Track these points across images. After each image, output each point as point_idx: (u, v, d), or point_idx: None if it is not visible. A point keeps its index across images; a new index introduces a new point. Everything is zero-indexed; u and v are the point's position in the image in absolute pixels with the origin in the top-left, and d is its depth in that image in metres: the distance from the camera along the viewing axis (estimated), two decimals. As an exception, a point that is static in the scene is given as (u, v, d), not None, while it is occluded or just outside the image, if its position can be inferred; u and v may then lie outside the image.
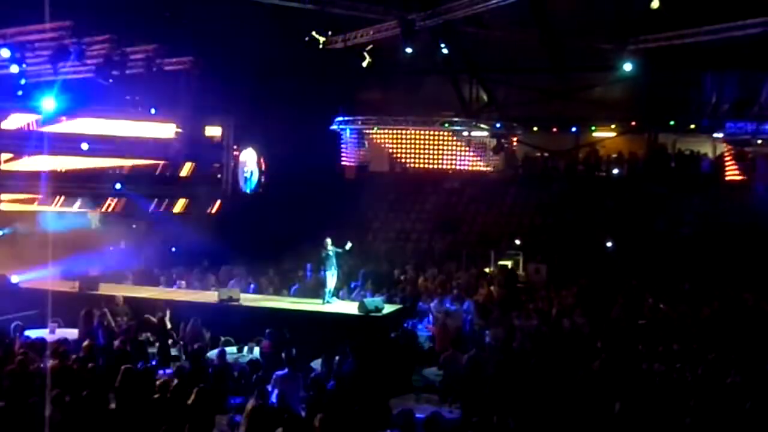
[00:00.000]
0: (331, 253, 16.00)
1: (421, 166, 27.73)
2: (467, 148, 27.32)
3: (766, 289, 17.93)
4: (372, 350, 12.90)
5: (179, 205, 22.29)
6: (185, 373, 10.88)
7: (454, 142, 27.35)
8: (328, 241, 16.15)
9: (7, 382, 9.99)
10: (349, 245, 16.23)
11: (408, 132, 27.43)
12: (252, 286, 18.84)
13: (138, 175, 21.06)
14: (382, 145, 28.07)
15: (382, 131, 27.67)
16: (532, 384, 11.15)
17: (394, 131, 27.55)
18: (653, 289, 18.54)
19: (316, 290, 17.20)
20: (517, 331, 15.12)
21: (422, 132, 27.35)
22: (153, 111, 20.22)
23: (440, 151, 27.46)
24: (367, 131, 27.81)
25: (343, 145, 28.38)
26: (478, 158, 27.45)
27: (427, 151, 27.55)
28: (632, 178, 26.40)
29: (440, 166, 27.64)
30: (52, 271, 17.90)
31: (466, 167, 27.48)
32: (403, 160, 27.93)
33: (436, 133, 27.22)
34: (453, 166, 27.56)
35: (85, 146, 19.11)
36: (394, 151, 27.94)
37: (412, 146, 27.65)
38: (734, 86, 23.64)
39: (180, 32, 16.96)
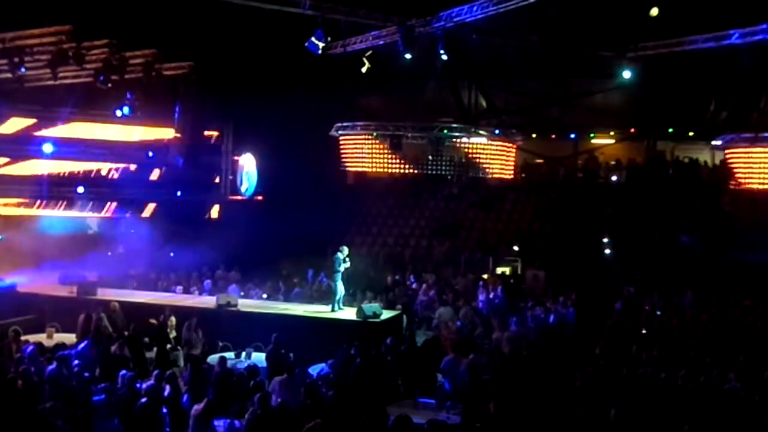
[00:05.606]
0: (344, 261, 15.74)
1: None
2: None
3: (764, 296, 17.91)
4: (372, 355, 12.84)
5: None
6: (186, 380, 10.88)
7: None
8: (345, 249, 15.91)
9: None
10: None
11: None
12: (255, 291, 18.75)
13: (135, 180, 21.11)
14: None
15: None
16: (530, 389, 11.11)
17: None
18: (651, 296, 18.52)
19: (318, 296, 17.09)
20: (516, 336, 15.07)
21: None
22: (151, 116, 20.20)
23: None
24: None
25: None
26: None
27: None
28: (631, 185, 26.41)
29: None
30: (51, 276, 17.91)
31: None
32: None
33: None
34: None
35: (83, 151, 19.14)
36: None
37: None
38: (733, 94, 23.63)
39: (179, 37, 16.94)
